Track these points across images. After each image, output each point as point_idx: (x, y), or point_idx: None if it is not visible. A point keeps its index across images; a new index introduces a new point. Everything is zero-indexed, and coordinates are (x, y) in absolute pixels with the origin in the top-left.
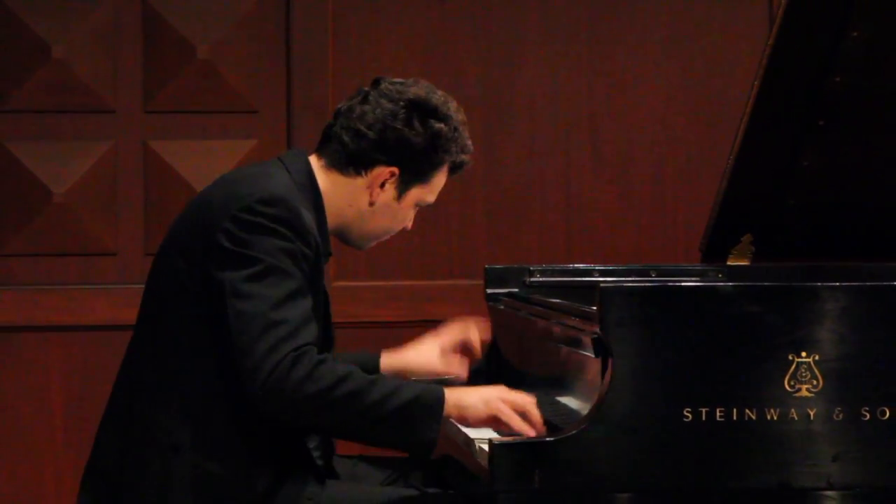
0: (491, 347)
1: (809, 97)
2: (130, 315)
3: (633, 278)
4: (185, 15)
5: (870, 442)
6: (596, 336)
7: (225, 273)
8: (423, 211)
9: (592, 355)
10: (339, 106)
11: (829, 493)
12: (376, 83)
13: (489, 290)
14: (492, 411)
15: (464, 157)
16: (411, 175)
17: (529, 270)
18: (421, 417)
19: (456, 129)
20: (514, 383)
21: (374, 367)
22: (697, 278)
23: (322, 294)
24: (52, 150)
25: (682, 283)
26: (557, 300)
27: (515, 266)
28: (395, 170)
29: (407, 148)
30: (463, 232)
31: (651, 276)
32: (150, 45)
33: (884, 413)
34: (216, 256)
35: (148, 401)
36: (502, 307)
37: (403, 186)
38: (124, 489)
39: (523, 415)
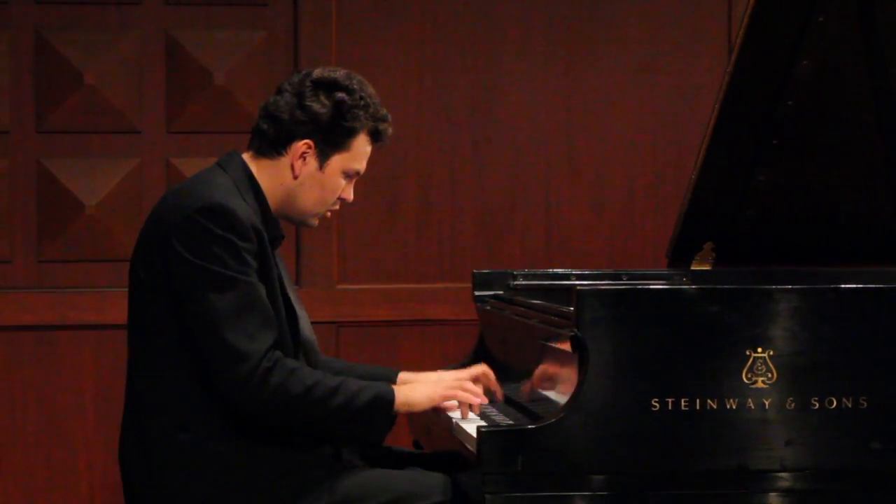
0: (478, 344)
1: (765, 119)
2: None
3: (606, 282)
4: (203, 45)
5: (819, 429)
6: (573, 334)
7: (182, 285)
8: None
9: (570, 351)
10: (261, 105)
11: (782, 474)
12: (288, 78)
13: (476, 293)
14: (435, 405)
15: (379, 124)
16: (327, 144)
17: (513, 275)
18: (375, 419)
19: (361, 98)
20: (500, 376)
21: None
22: (664, 282)
23: (276, 278)
24: (84, 166)
25: (651, 287)
26: (538, 301)
27: (500, 271)
28: (310, 141)
29: (316, 120)
30: (453, 240)
31: (623, 280)
32: (172, 72)
33: (831, 402)
34: (171, 268)
35: (150, 393)
36: (488, 308)
37: (323, 156)
38: (141, 470)
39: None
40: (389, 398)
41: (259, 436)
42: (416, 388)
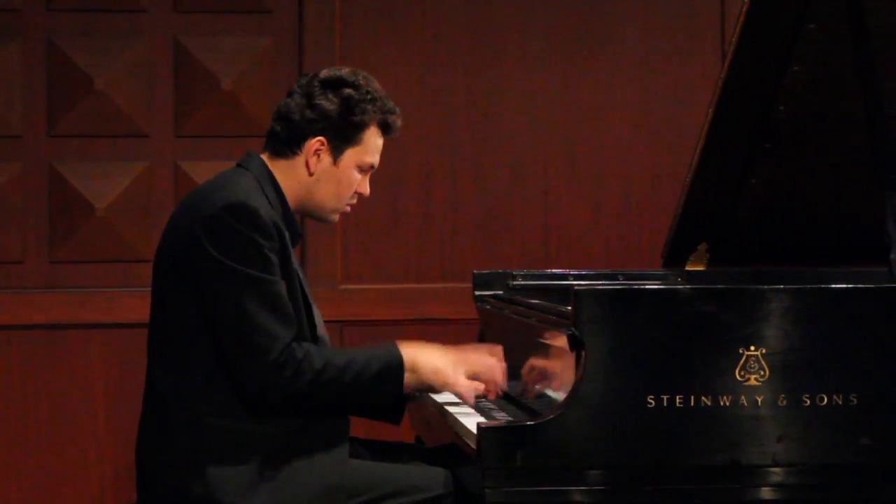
0: (479, 343)
1: (757, 123)
2: None
3: (603, 282)
4: (210, 51)
5: (810, 425)
6: (571, 332)
7: (206, 280)
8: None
9: (568, 349)
10: (274, 109)
11: (774, 469)
12: (298, 80)
13: (477, 293)
14: (439, 381)
15: (388, 116)
16: (339, 140)
17: (512, 275)
18: (386, 387)
19: (368, 92)
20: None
21: None
22: (660, 282)
23: (295, 275)
24: (95, 170)
25: (647, 287)
26: (537, 301)
27: (500, 271)
28: (323, 138)
29: (326, 117)
30: (454, 241)
31: (619, 280)
32: (180, 78)
33: (822, 399)
34: (195, 264)
35: (174, 383)
36: (488, 307)
37: (336, 151)
38: (160, 458)
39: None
40: (398, 362)
41: (281, 418)
42: (424, 356)
